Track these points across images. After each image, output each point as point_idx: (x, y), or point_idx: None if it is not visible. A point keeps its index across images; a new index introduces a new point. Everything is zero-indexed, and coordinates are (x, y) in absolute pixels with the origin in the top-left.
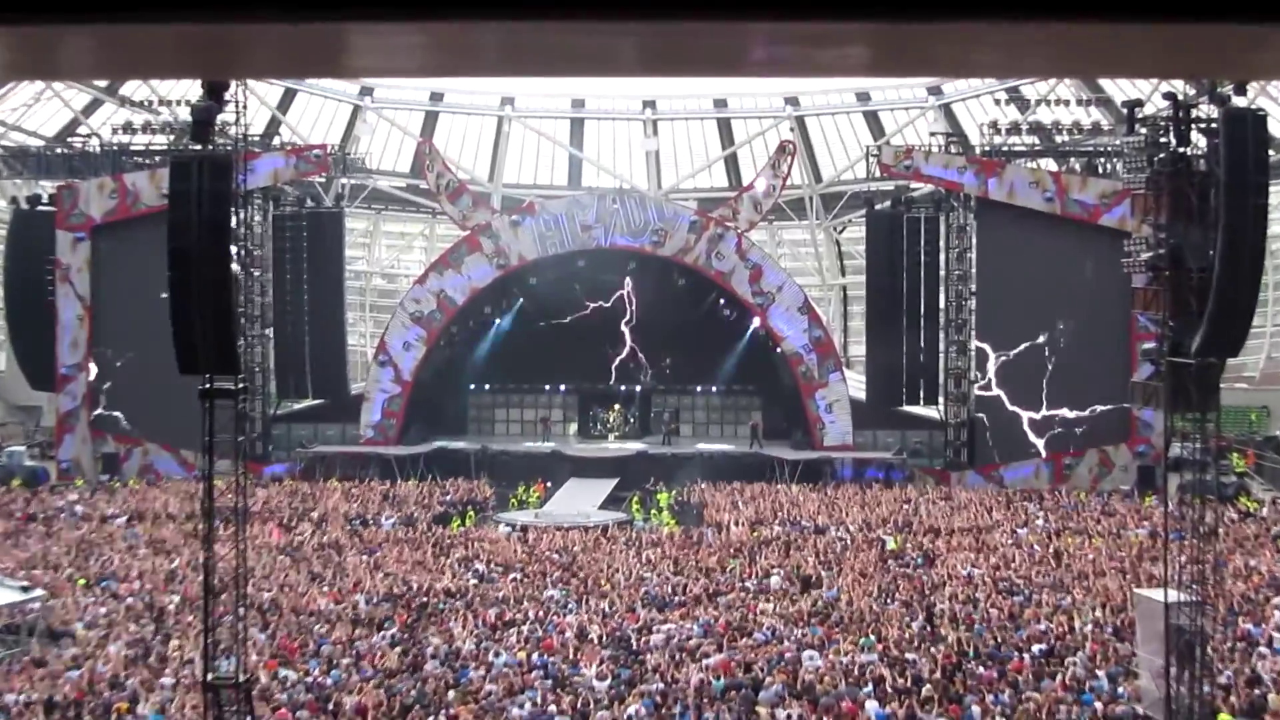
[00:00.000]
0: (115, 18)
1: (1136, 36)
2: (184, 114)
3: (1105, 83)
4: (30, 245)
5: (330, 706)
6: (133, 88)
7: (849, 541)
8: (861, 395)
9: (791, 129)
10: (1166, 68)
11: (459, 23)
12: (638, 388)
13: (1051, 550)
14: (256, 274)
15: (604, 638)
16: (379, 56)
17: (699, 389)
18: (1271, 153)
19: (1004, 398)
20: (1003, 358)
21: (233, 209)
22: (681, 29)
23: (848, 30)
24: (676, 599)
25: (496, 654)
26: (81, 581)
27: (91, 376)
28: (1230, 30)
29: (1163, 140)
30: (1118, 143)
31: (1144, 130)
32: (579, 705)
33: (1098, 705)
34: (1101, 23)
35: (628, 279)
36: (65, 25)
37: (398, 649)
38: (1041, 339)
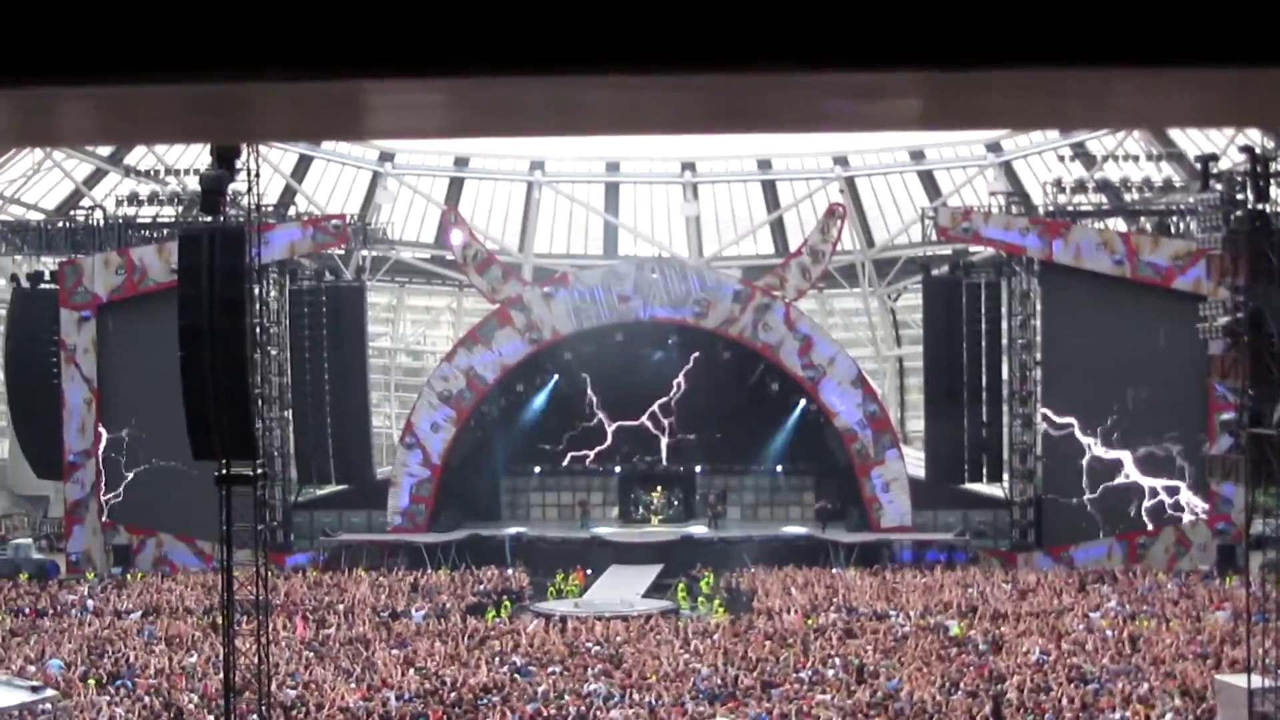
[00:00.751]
0: (117, 79)
1: (1209, 82)
2: (193, 183)
3: (1178, 136)
4: (33, 325)
5: None
6: (138, 156)
7: (909, 628)
8: (920, 473)
9: (841, 190)
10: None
11: (482, 78)
12: (682, 468)
13: (1126, 635)
14: (274, 352)
15: None
16: (397, 116)
17: (747, 469)
18: None
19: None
20: (1071, 430)
21: (247, 284)
22: (720, 82)
23: (898, 80)
24: (727, 692)
25: None
26: (94, 681)
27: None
28: None
29: (1240, 197)
30: (1191, 200)
31: (1219, 186)
32: None
33: None
34: (1171, 68)
35: (669, 353)
36: (65, 87)
37: None
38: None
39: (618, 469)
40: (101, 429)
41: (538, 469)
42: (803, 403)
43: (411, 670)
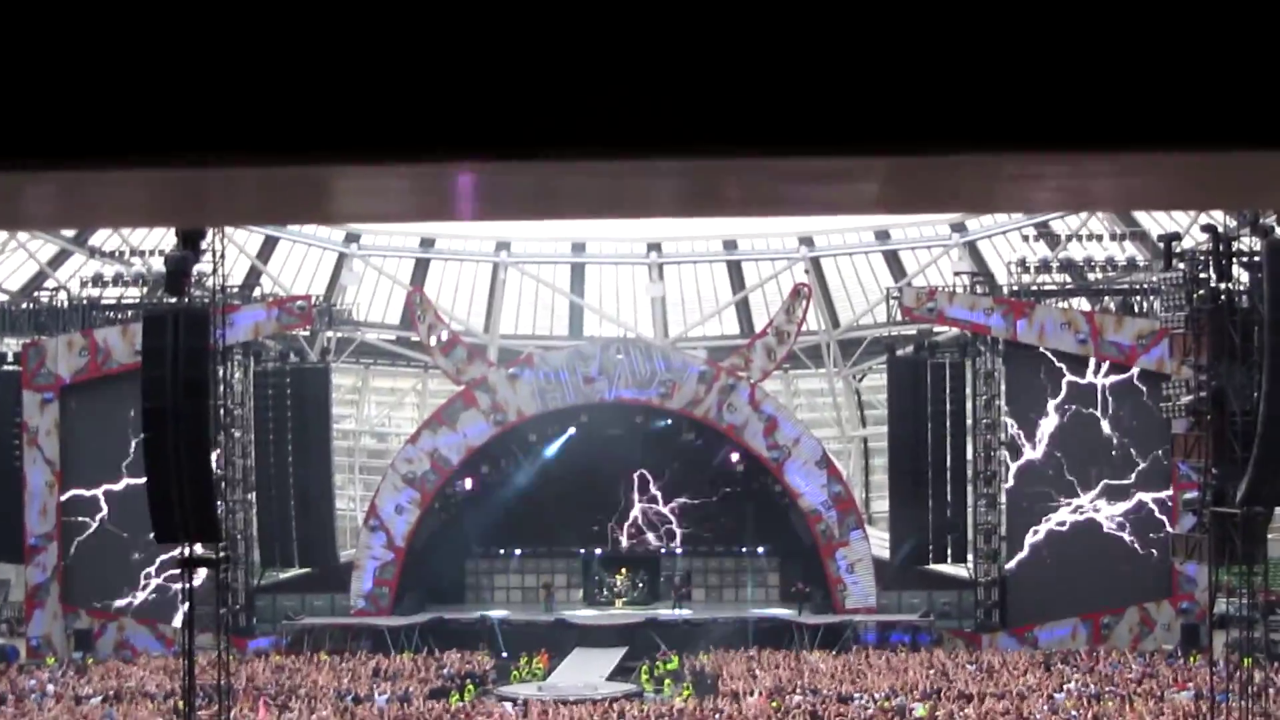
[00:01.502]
0: (81, 163)
1: (1169, 165)
2: (158, 265)
3: (1141, 216)
4: None
5: None
6: (103, 237)
7: (874, 710)
8: (885, 554)
9: (806, 271)
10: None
11: (446, 164)
12: (647, 550)
13: (1091, 716)
14: (237, 434)
15: None
16: (363, 200)
17: (712, 550)
18: None
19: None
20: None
21: (211, 365)
22: (682, 167)
23: (859, 164)
24: None
25: None
26: None
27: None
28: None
29: (1202, 276)
30: (1155, 279)
31: (1182, 265)
32: None
33: None
34: (1131, 152)
35: (635, 435)
36: (27, 172)
37: None
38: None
39: (582, 551)
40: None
41: (503, 551)
42: (768, 483)
43: None
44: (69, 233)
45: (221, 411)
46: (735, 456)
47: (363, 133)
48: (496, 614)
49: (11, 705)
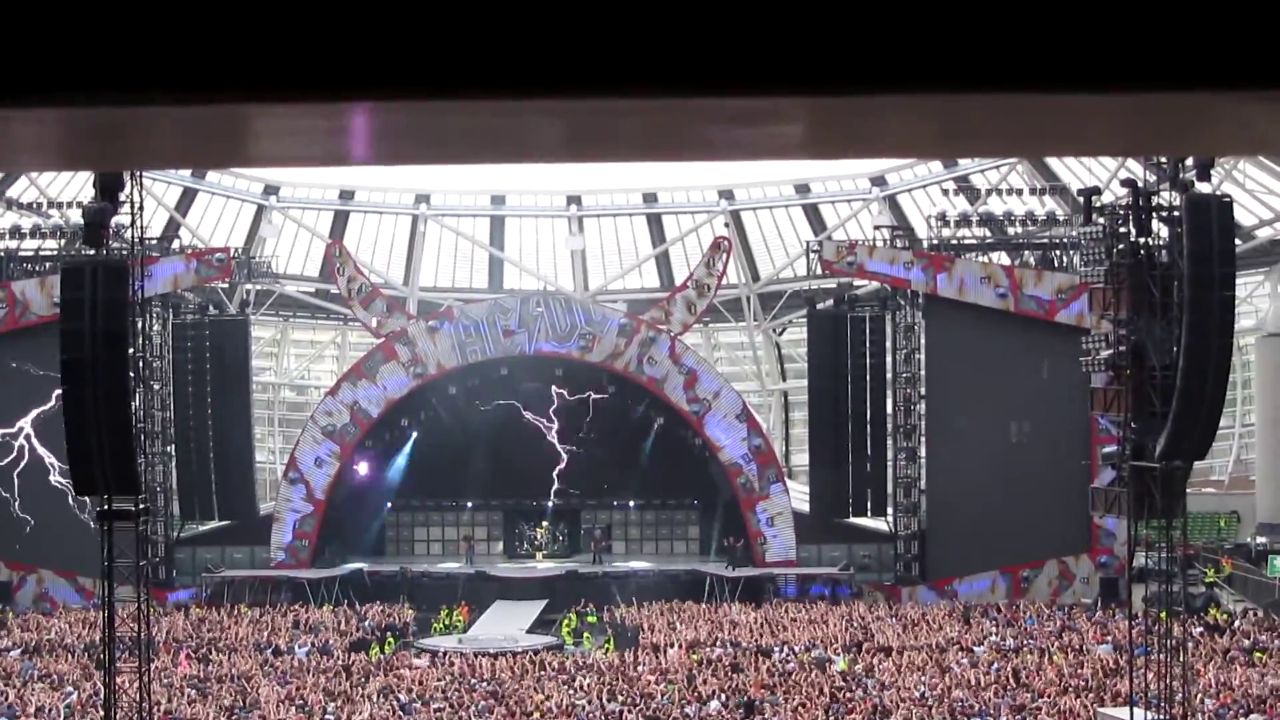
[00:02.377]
0: None
1: (1089, 108)
2: (76, 216)
3: (1060, 170)
4: None
5: None
6: (20, 189)
7: (794, 663)
8: (805, 507)
9: (726, 224)
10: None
11: (371, 103)
12: (566, 503)
13: (1010, 669)
14: (156, 387)
15: None
16: (283, 142)
17: (632, 503)
18: (1238, 241)
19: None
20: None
21: (130, 318)
22: (597, 107)
23: (781, 105)
24: None
25: None
26: None
27: None
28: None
29: (1122, 230)
30: (1074, 234)
31: (1102, 220)
32: None
33: None
34: (1052, 93)
35: (554, 387)
36: None
37: None
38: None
39: (502, 504)
40: None
41: (421, 504)
42: (687, 436)
43: (294, 708)
44: None
45: (140, 364)
46: (655, 410)
47: (282, 70)
48: (416, 566)
49: None
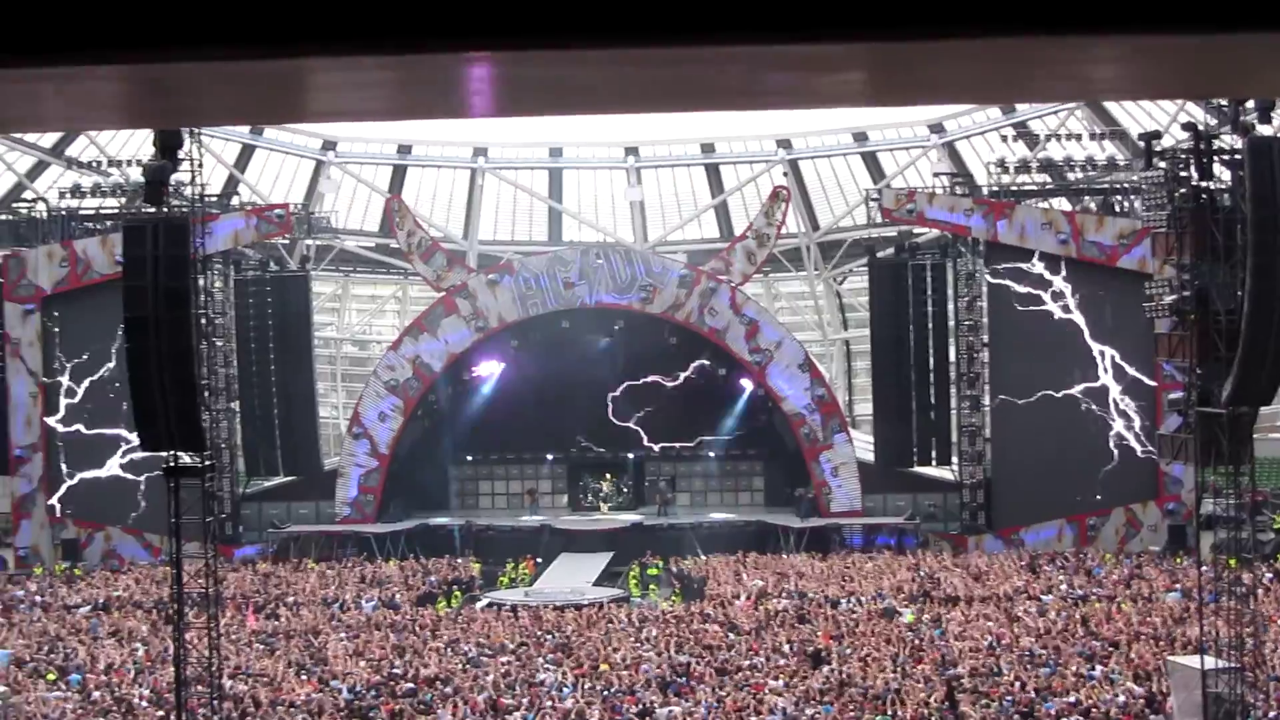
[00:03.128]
0: (59, 60)
1: (1148, 50)
2: (136, 175)
3: (1121, 115)
4: None
5: None
6: (81, 148)
7: (861, 613)
8: (869, 457)
9: (785, 174)
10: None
11: (430, 55)
12: (630, 455)
13: (1078, 617)
14: (220, 343)
15: None
16: (340, 96)
17: (696, 455)
18: None
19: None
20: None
21: (192, 274)
22: (663, 57)
23: (843, 52)
24: (679, 679)
25: None
26: (52, 676)
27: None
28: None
29: (1183, 174)
30: (1135, 179)
31: (1163, 164)
32: None
33: None
34: (1113, 35)
35: (616, 339)
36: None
37: None
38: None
39: (566, 457)
40: (47, 422)
41: (485, 458)
42: (749, 387)
43: (362, 662)
44: (47, 144)
45: (203, 321)
46: (717, 361)
47: (338, 26)
48: (482, 520)
49: (0, 615)
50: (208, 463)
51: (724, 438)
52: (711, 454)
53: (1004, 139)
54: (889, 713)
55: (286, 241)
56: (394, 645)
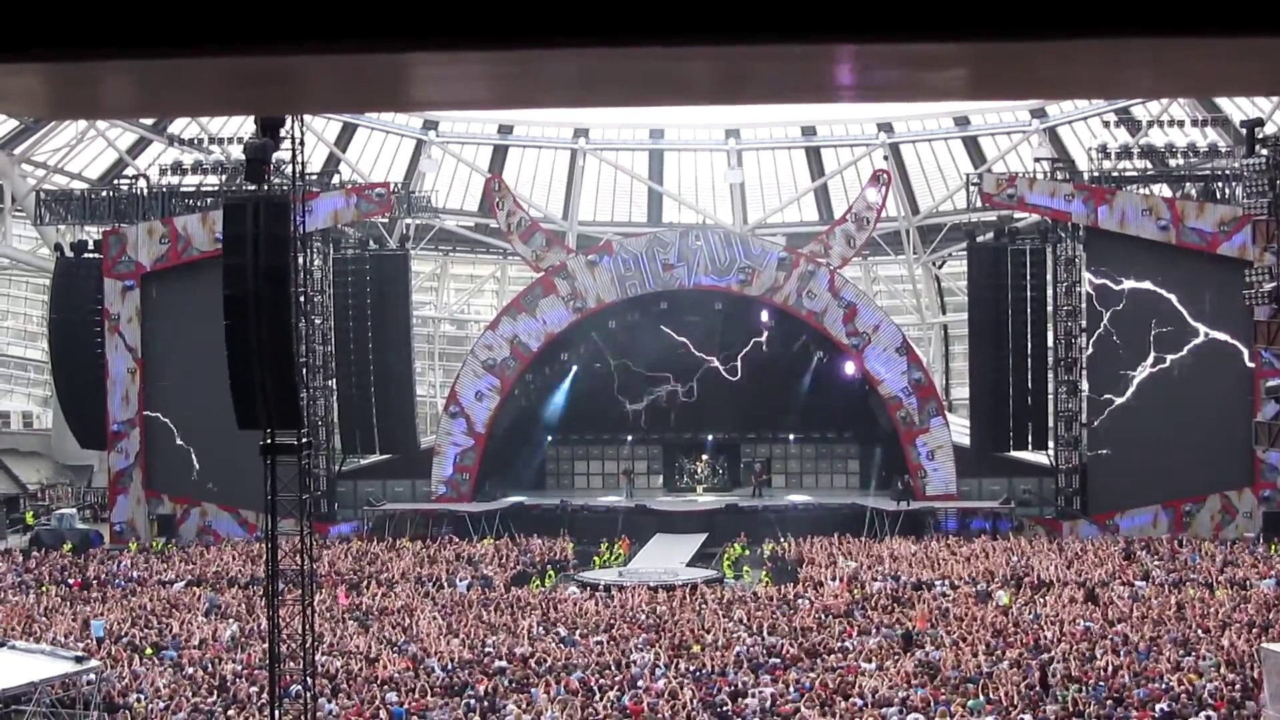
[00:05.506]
0: (161, 52)
1: (1254, 50)
2: (237, 153)
3: (1223, 102)
4: (77, 295)
5: None
6: (182, 125)
7: (955, 597)
8: (965, 441)
9: (886, 157)
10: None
11: (529, 50)
12: (726, 436)
13: (1172, 603)
14: (318, 322)
15: (695, 702)
16: (443, 88)
17: (792, 437)
18: None
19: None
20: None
21: (292, 253)
22: (768, 53)
23: (947, 51)
24: (772, 661)
25: None
26: (149, 651)
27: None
28: None
29: None
30: (1237, 165)
31: (1265, 151)
32: None
33: None
34: (1215, 37)
35: (714, 321)
36: (109, 61)
37: (476, 718)
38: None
39: (662, 437)
40: (145, 398)
41: (581, 437)
42: (848, 369)
43: (456, 640)
44: (148, 121)
45: (302, 298)
46: (815, 343)
47: (439, 19)
48: (577, 500)
49: (96, 589)
50: (304, 440)
51: (820, 421)
52: (807, 436)
53: (1105, 125)
54: (980, 696)
55: (386, 220)
56: (487, 624)
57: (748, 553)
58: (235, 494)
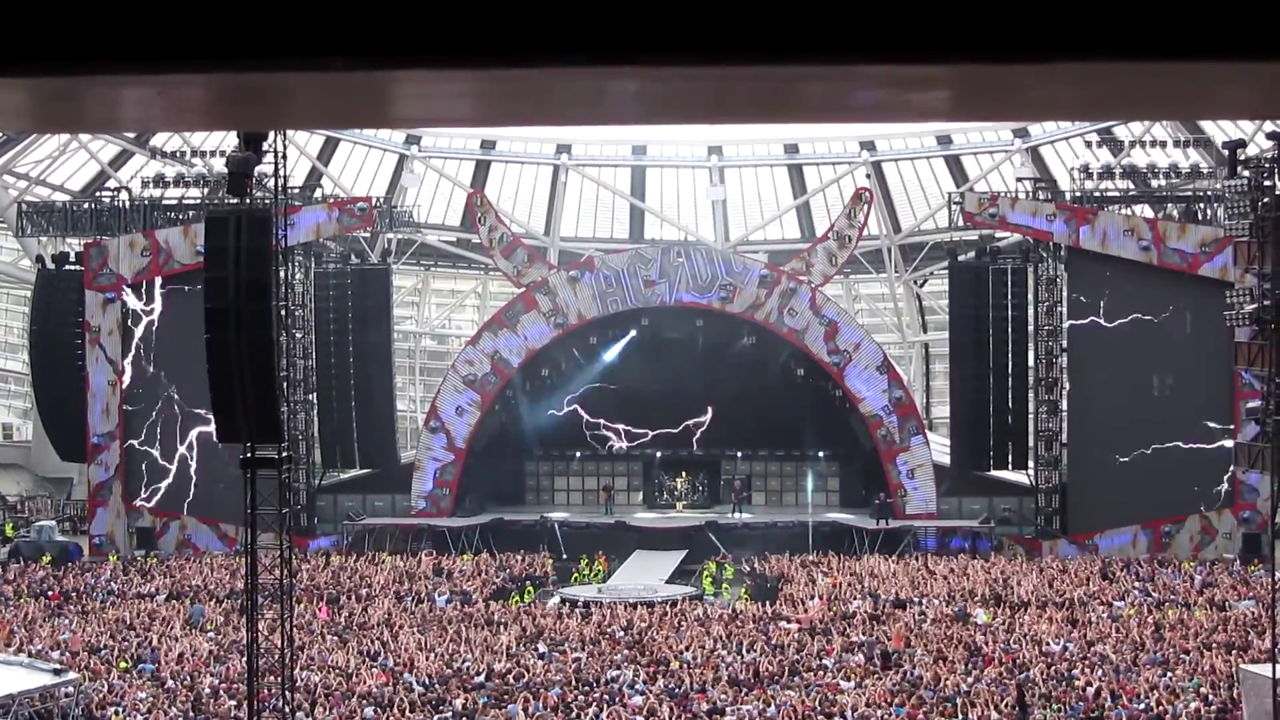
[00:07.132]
0: (146, 68)
1: (1232, 75)
2: (219, 166)
3: (1205, 123)
4: (58, 307)
5: None
6: (164, 138)
7: (934, 616)
8: (946, 459)
9: (868, 175)
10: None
11: (511, 69)
12: (706, 454)
13: (1151, 623)
14: (299, 335)
15: (674, 719)
16: (423, 104)
17: (772, 454)
18: None
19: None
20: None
21: (273, 266)
22: (751, 74)
23: (929, 72)
24: (750, 678)
25: None
26: (124, 665)
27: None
28: None
29: (1267, 183)
30: (1219, 187)
31: (1247, 173)
32: None
33: None
34: (1195, 61)
35: (695, 338)
36: (92, 76)
37: None
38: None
39: (642, 454)
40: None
41: (561, 453)
42: (828, 387)
43: (434, 654)
44: (130, 134)
45: (284, 312)
46: (796, 361)
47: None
48: (557, 516)
49: (74, 602)
50: (285, 454)
51: (800, 439)
52: (787, 454)
53: (1088, 145)
54: (959, 715)
55: (368, 234)
56: (466, 639)
57: (730, 571)
58: (215, 507)
